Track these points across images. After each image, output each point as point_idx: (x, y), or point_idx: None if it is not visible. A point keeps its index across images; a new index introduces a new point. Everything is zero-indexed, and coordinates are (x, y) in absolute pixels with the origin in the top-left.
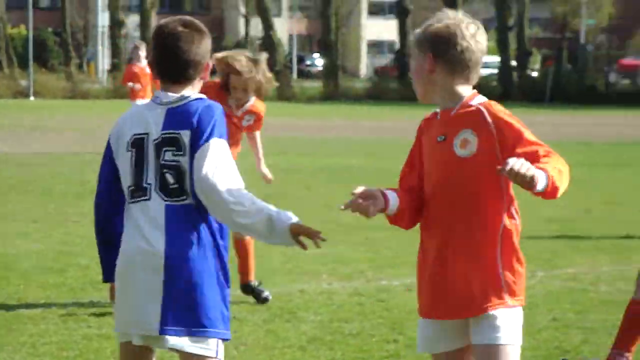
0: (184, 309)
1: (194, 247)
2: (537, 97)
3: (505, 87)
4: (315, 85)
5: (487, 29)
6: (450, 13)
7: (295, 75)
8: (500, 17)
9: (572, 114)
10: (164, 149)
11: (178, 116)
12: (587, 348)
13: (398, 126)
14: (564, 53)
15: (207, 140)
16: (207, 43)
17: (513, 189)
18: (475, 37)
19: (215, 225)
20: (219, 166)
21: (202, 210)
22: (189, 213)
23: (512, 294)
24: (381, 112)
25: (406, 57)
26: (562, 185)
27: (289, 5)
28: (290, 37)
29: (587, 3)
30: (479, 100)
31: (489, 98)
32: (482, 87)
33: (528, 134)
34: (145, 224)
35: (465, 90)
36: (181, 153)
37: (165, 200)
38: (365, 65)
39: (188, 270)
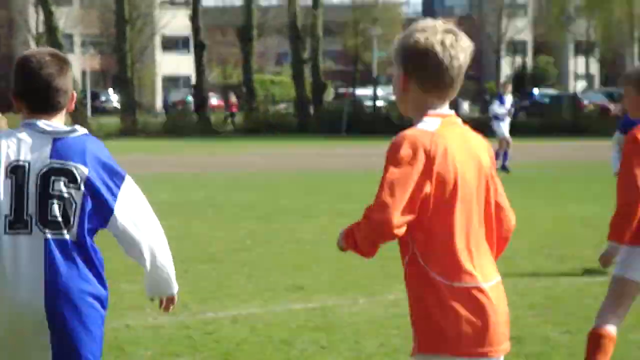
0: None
1: (78, 284)
2: (334, 128)
3: (303, 120)
4: (112, 122)
5: (281, 63)
6: (429, 22)
7: (89, 112)
8: (295, 51)
9: (368, 144)
10: (53, 178)
11: (68, 148)
12: None
13: (197, 161)
14: (357, 84)
15: (123, 178)
16: (72, 73)
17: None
18: (454, 48)
19: (98, 257)
20: (143, 207)
21: (83, 244)
22: (71, 247)
23: None
24: (179, 146)
25: (204, 91)
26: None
27: (82, 41)
28: (84, 73)
29: (378, 36)
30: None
31: (286, 131)
32: (278, 119)
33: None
34: (20, 263)
35: (440, 110)
36: (75, 186)
37: (46, 234)
38: (160, 100)
39: (75, 321)
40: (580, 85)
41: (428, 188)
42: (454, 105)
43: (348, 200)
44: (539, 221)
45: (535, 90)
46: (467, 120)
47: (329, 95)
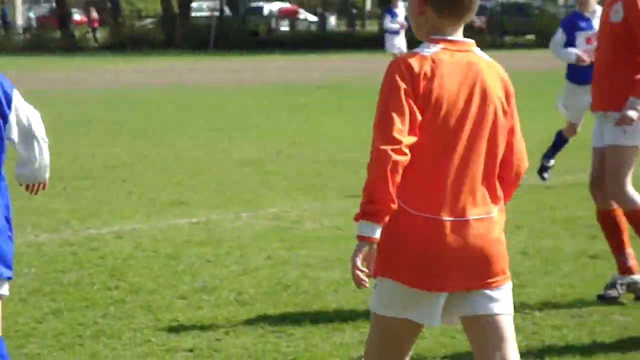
0: None
1: None
2: (201, 44)
3: (168, 35)
4: None
5: None
6: None
7: None
8: None
9: (237, 60)
10: None
11: None
12: (305, 282)
13: (63, 78)
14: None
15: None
16: None
17: None
18: None
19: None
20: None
21: None
22: None
23: None
24: (43, 62)
25: (67, 6)
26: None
27: None
28: None
29: None
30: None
31: (152, 46)
32: (143, 35)
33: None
34: None
35: (448, 36)
36: None
37: None
38: (21, 17)
39: None
40: None
41: (417, 110)
42: (322, 20)
43: (223, 116)
44: None
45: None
46: (333, 35)
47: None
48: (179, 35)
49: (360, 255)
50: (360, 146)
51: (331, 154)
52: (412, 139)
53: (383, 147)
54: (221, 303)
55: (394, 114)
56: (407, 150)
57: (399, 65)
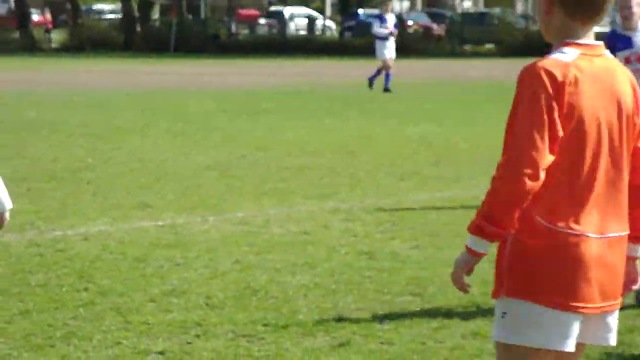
0: None
1: None
2: (160, 47)
3: (128, 37)
4: None
5: None
6: None
7: None
8: None
9: (198, 64)
10: None
11: None
12: (274, 287)
13: (23, 78)
14: (184, 3)
15: None
16: None
17: None
18: None
19: None
20: None
21: None
22: None
23: None
24: (1, 63)
25: (26, 7)
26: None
27: None
28: None
29: None
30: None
31: (111, 49)
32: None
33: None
34: None
35: (583, 40)
36: None
37: None
38: None
39: None
40: (405, 5)
41: (559, 124)
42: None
43: (185, 120)
44: (376, 140)
45: (360, 11)
46: (294, 40)
47: (156, 13)
48: (139, 37)
49: (466, 268)
50: (324, 151)
51: (296, 159)
52: (550, 159)
53: (517, 168)
54: (191, 306)
55: (534, 131)
56: (542, 174)
57: (539, 74)
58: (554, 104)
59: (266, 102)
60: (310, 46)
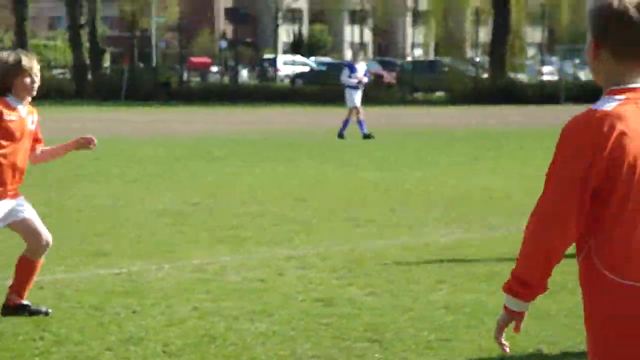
0: None
1: None
2: (112, 95)
3: (80, 86)
4: None
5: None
6: None
7: None
8: (72, 16)
9: (149, 111)
10: None
11: None
12: (232, 334)
13: None
14: (136, 51)
15: None
16: None
17: None
18: None
19: None
20: None
21: None
22: None
23: None
24: None
25: None
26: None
27: None
28: None
29: (156, 1)
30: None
31: (63, 97)
32: (55, 86)
33: None
34: None
35: (629, 84)
36: None
37: None
38: None
39: None
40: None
41: (599, 181)
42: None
43: (139, 165)
44: (331, 185)
45: (312, 59)
46: (245, 88)
47: (107, 61)
48: (90, 85)
49: (504, 327)
50: (277, 198)
51: (249, 206)
52: (581, 219)
53: (547, 228)
54: (148, 354)
55: (568, 189)
56: (573, 233)
57: (580, 129)
58: (594, 160)
59: (218, 149)
60: (261, 94)
